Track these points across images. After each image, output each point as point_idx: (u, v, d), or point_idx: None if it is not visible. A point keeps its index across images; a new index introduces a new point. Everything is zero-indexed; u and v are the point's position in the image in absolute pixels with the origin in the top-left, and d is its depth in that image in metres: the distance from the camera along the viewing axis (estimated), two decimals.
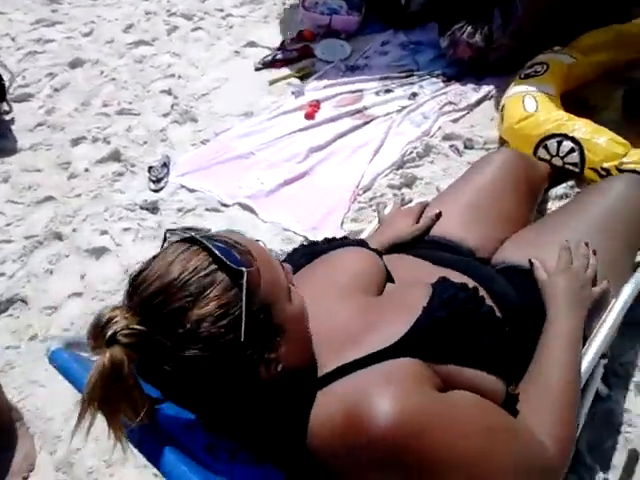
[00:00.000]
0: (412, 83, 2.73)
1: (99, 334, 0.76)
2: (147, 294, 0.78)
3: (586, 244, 1.27)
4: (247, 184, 2.38)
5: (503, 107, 2.20)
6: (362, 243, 1.25)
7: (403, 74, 2.79)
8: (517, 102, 2.14)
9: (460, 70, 2.69)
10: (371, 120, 2.59)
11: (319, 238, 1.38)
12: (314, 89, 2.84)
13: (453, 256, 1.33)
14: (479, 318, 0.98)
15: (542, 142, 1.99)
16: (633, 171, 1.79)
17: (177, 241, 0.84)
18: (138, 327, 0.76)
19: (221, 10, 3.63)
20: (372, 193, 2.22)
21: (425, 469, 0.81)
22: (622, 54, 2.33)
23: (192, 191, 2.44)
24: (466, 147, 2.32)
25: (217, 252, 0.79)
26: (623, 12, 2.46)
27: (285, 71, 3.02)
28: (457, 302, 0.97)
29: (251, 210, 2.27)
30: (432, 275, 1.12)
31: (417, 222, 1.45)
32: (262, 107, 2.83)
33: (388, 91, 2.72)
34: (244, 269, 0.79)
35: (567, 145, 1.94)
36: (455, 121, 2.46)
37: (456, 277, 1.08)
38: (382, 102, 2.65)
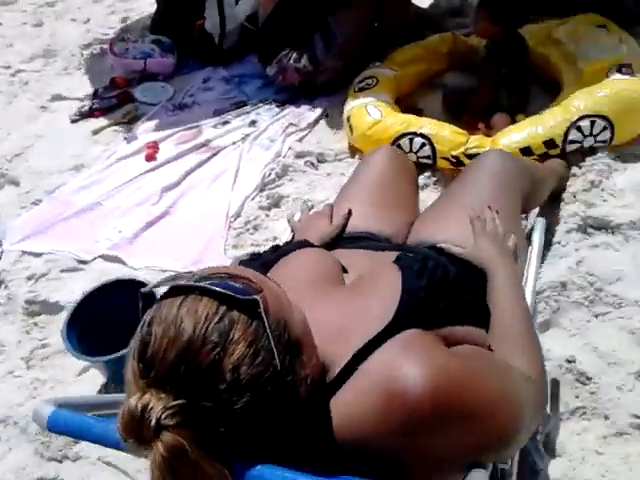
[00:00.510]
0: (247, 112, 2.76)
1: (141, 429, 0.65)
2: (169, 364, 0.67)
3: (489, 208, 1.39)
4: (105, 235, 2.18)
5: (349, 118, 2.33)
6: (307, 244, 1.22)
7: (234, 106, 2.81)
8: (362, 112, 2.29)
9: (291, 94, 2.79)
10: (218, 151, 2.56)
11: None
12: (146, 131, 2.73)
13: (380, 244, 1.37)
14: (453, 279, 1.02)
15: (395, 142, 2.14)
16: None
17: (164, 297, 0.74)
18: (178, 402, 0.66)
19: (8, 67, 3.36)
20: (245, 218, 2.19)
21: (468, 417, 0.82)
22: (433, 65, 2.64)
23: (39, 255, 2.16)
24: (319, 161, 2.40)
25: (221, 290, 0.71)
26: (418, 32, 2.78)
27: (104, 120, 2.85)
28: (429, 270, 1.00)
29: (119, 260, 2.08)
30: (378, 259, 1.13)
31: (331, 222, 1.46)
32: (93, 157, 2.64)
33: (226, 122, 2.72)
34: (257, 297, 0.72)
35: (418, 141, 2.12)
36: (301, 140, 2.54)
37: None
38: (224, 133, 2.64)
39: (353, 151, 2.38)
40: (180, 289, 0.72)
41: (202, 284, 0.71)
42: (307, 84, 2.72)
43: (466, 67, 2.50)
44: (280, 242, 1.55)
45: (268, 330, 0.71)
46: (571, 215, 1.91)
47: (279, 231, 2.05)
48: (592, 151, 2.04)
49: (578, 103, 2.04)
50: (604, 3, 2.54)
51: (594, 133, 2.01)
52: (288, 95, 2.80)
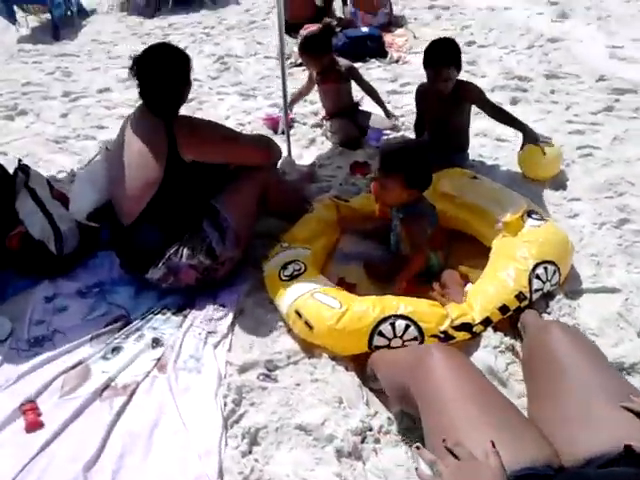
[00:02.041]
0: (137, 329, 2.21)
1: None
2: None
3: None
4: None
5: (300, 315, 2.01)
6: None
7: (116, 324, 2.23)
8: (314, 303, 2.00)
9: (185, 296, 2.34)
10: (131, 392, 1.93)
11: None
12: (4, 389, 1.96)
13: None
14: None
15: (376, 329, 1.90)
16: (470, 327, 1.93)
17: None
18: None
19: None
20: (233, 477, 1.65)
21: None
22: (331, 235, 2.52)
23: None
24: (270, 370, 2.00)
25: None
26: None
27: None
28: None
29: None
30: None
31: None
32: None
33: (116, 349, 2.12)
34: None
35: (401, 324, 1.91)
36: (230, 349, 2.10)
37: None
38: (124, 364, 2.04)
39: (311, 350, 2.04)
40: None
41: None
42: (206, 280, 2.32)
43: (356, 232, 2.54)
44: None
45: None
46: None
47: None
48: (550, 295, 2.11)
49: (523, 254, 2.12)
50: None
51: (549, 278, 2.09)
52: (182, 298, 2.34)
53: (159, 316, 2.27)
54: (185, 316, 2.26)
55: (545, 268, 2.09)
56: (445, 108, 2.80)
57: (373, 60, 4.70)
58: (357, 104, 3.63)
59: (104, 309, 2.32)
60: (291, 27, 5.57)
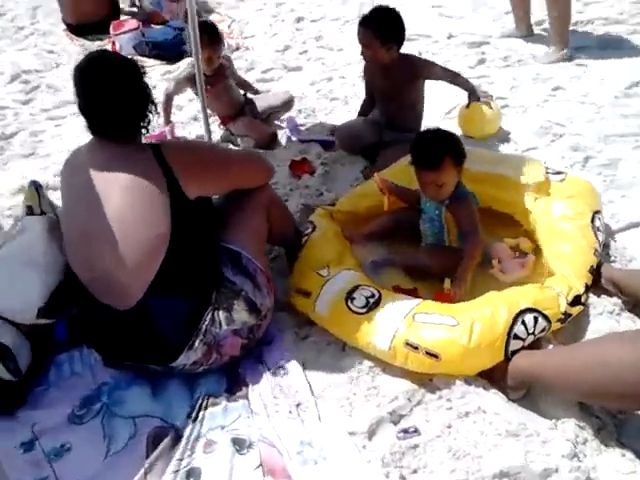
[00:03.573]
0: (198, 437, 1.61)
1: None
2: None
3: None
4: None
5: (416, 347, 1.65)
6: None
7: (164, 443, 1.60)
8: (427, 329, 1.68)
9: (222, 372, 1.79)
10: None
11: None
12: None
13: None
14: None
15: (510, 334, 1.65)
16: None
17: None
18: None
19: None
20: None
21: None
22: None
23: None
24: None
25: None
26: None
27: None
28: None
29: None
30: None
31: None
32: None
33: (192, 474, 1.52)
34: None
35: (530, 318, 1.67)
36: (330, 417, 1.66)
37: None
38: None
39: (424, 382, 1.71)
40: None
41: None
42: (250, 345, 1.81)
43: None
44: None
45: None
46: None
47: None
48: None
49: (576, 210, 2.04)
50: None
51: (603, 228, 2.06)
52: (219, 377, 1.79)
53: (212, 410, 1.69)
54: (246, 398, 1.73)
55: (599, 218, 2.06)
56: (395, 85, 2.58)
57: None
58: (245, 95, 3.21)
59: (127, 430, 1.65)
60: (84, 29, 4.77)
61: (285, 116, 3.15)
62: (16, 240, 1.81)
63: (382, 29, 2.46)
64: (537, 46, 3.84)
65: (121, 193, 1.60)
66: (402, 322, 1.71)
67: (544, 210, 2.10)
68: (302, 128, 3.06)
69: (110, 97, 1.61)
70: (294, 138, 2.98)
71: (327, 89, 3.52)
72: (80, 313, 1.78)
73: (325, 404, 1.69)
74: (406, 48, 2.61)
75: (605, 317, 1.83)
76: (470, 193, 2.05)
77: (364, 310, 1.78)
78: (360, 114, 2.88)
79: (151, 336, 1.67)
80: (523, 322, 1.68)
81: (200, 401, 1.71)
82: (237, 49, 4.22)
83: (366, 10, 2.57)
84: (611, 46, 3.74)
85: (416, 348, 1.67)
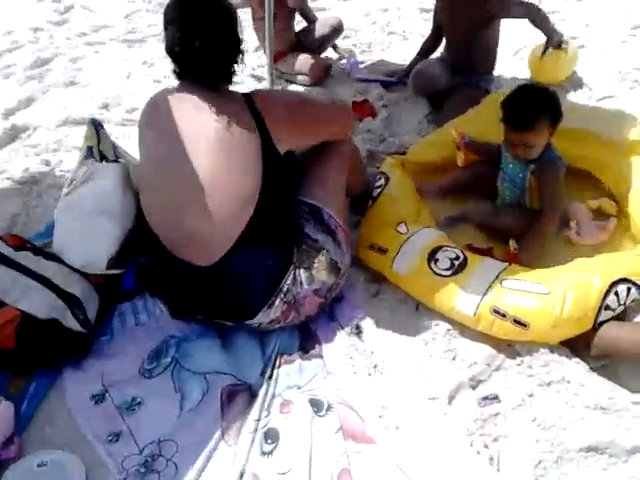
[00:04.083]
0: (274, 396, 1.58)
1: None
2: None
3: None
4: None
5: (504, 314, 1.59)
6: None
7: (237, 401, 1.57)
8: (516, 296, 1.60)
9: (295, 329, 1.73)
10: None
11: None
12: None
13: None
14: None
15: (602, 305, 1.57)
16: None
17: None
18: None
19: None
20: None
21: None
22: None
23: None
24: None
25: None
26: None
27: None
28: None
29: None
30: None
31: None
32: None
33: (270, 435, 1.49)
34: None
35: (623, 289, 1.59)
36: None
37: None
38: (304, 458, 1.43)
39: (504, 348, 1.64)
40: None
41: None
42: (326, 304, 1.75)
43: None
44: None
45: None
46: None
47: None
48: None
49: None
50: None
51: None
52: (290, 334, 1.74)
53: (287, 369, 1.65)
54: (320, 357, 1.67)
55: None
56: (473, 26, 2.38)
57: None
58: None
59: (199, 386, 1.61)
60: None
61: (341, 48, 2.95)
62: (88, 185, 1.71)
63: None
64: None
65: (213, 143, 1.49)
66: (490, 287, 1.63)
67: (634, 171, 1.95)
68: (361, 66, 2.86)
69: (211, 37, 1.47)
70: (355, 76, 2.80)
71: (384, 21, 3.29)
72: (151, 264, 1.71)
73: (402, 366, 1.64)
74: None
75: None
76: (558, 156, 1.91)
77: (449, 273, 1.69)
78: (422, 52, 2.69)
79: (231, 293, 1.60)
80: (616, 292, 1.59)
81: (273, 359, 1.67)
82: None
83: None
84: None
85: (504, 315, 1.59)
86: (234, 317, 1.65)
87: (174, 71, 1.56)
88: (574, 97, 2.60)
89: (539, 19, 2.43)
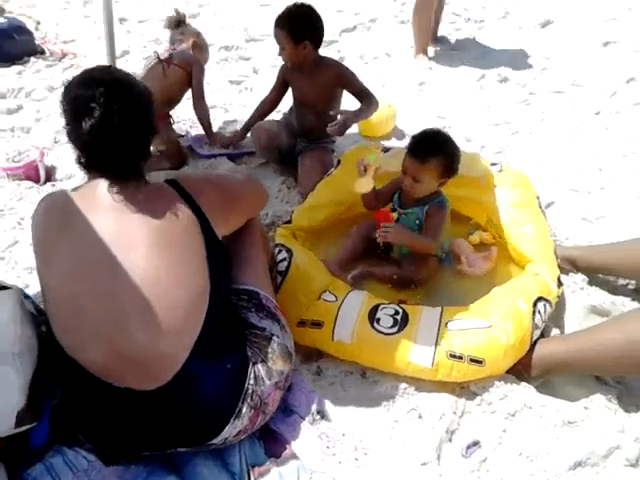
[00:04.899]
0: None
1: None
2: None
3: None
4: None
5: (460, 357, 1.61)
6: None
7: None
8: (463, 336, 1.65)
9: (263, 428, 1.53)
10: None
11: None
12: None
13: None
14: None
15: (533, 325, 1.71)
16: None
17: None
18: None
19: None
20: None
21: None
22: None
23: None
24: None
25: None
26: None
27: None
28: None
29: None
30: None
31: None
32: None
33: None
34: None
35: (544, 305, 1.76)
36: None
37: None
38: None
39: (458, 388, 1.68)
40: None
41: None
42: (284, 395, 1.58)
43: None
44: None
45: None
46: None
47: None
48: None
49: (524, 196, 2.18)
50: None
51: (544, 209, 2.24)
52: (258, 440, 1.53)
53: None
54: (295, 457, 1.50)
55: (540, 203, 2.22)
56: (316, 90, 2.46)
57: (33, 60, 3.54)
58: None
59: None
60: None
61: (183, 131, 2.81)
62: None
63: (295, 28, 2.32)
64: None
65: (149, 244, 1.27)
66: (439, 334, 1.65)
67: (497, 201, 2.19)
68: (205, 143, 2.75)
69: (128, 125, 1.25)
70: (200, 153, 2.67)
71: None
72: (68, 402, 1.37)
73: (379, 441, 1.56)
74: None
75: (578, 294, 1.98)
76: (446, 199, 2.05)
77: (395, 330, 1.67)
78: (258, 115, 2.68)
79: (188, 414, 1.35)
80: (539, 311, 1.74)
81: (246, 476, 1.45)
82: (64, 57, 3.62)
83: None
84: None
85: (460, 357, 1.62)
86: (193, 441, 1.40)
87: (79, 162, 1.31)
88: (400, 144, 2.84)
89: (367, 105, 2.48)
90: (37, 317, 1.44)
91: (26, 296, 1.48)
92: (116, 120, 1.25)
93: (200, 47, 2.73)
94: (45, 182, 2.48)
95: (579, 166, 2.76)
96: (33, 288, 1.88)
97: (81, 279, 1.27)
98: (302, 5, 2.34)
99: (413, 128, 2.97)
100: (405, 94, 3.33)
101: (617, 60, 3.70)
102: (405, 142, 2.84)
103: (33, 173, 2.47)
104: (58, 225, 1.32)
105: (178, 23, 2.76)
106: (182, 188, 1.37)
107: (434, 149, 1.90)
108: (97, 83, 1.27)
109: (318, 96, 2.46)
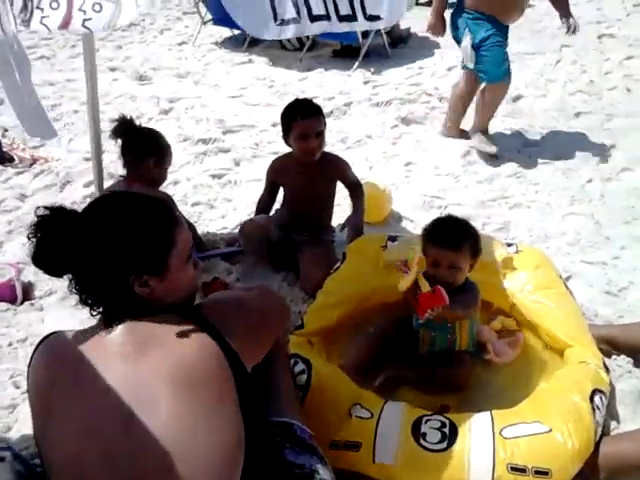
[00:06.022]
0: None
1: None
2: None
3: None
4: None
5: (524, 470, 1.41)
6: None
7: None
8: (525, 444, 1.45)
9: None
10: None
11: None
12: None
13: None
14: None
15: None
16: None
17: None
18: None
19: None
20: None
21: None
22: None
23: None
24: None
25: None
26: None
27: None
28: None
29: None
30: None
31: None
32: None
33: None
34: None
35: (601, 398, 1.59)
36: None
37: None
38: None
39: None
40: None
41: None
42: None
43: None
44: None
45: None
46: None
47: None
48: None
49: (549, 277, 2.06)
50: None
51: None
52: None
53: None
54: None
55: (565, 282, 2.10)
56: (313, 184, 2.35)
57: (1, 168, 3.36)
58: None
59: None
60: None
61: None
62: None
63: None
64: None
65: (173, 391, 1.05)
66: (495, 445, 1.45)
67: (521, 285, 2.04)
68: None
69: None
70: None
71: (181, 194, 3.09)
72: None
73: None
74: None
75: (626, 378, 1.82)
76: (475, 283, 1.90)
77: (444, 445, 1.47)
78: (259, 211, 2.56)
79: None
80: (597, 407, 1.57)
81: None
82: (34, 162, 3.45)
83: None
84: None
85: (523, 470, 1.42)
86: None
87: (84, 302, 1.11)
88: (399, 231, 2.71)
89: (358, 198, 2.44)
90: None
91: (17, 455, 1.23)
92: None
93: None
94: (22, 302, 2.25)
95: (585, 236, 2.67)
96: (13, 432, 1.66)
97: (91, 443, 1.04)
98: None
99: (409, 210, 2.89)
100: (393, 175, 3.26)
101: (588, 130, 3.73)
102: (404, 224, 2.77)
103: (8, 293, 2.23)
104: (53, 378, 1.11)
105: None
106: (206, 320, 1.18)
107: (463, 234, 1.80)
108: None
109: (318, 191, 2.41)
